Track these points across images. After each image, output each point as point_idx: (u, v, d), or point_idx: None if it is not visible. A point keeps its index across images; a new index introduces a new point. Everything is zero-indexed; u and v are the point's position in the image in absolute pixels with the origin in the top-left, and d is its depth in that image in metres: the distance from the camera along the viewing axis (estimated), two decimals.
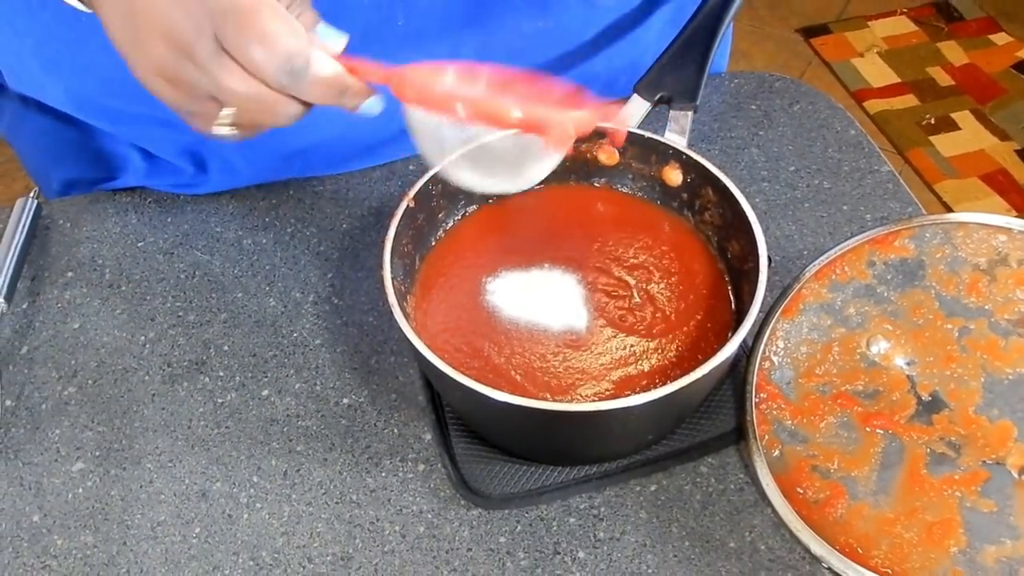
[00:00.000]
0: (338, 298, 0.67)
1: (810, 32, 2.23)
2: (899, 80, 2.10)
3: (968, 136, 1.99)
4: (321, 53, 0.42)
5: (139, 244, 0.71)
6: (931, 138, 1.98)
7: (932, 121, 2.02)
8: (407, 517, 0.56)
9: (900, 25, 2.24)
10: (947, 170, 1.92)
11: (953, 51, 2.17)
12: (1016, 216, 0.56)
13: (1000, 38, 2.20)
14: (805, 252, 0.68)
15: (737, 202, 0.57)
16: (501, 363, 0.55)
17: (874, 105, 2.04)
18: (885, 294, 0.57)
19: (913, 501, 0.53)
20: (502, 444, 0.57)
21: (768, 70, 0.83)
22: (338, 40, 0.44)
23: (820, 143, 0.76)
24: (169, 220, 0.73)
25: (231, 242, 0.71)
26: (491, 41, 0.68)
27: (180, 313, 0.67)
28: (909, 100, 2.06)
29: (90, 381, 0.63)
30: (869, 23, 2.25)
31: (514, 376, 0.54)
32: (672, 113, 0.62)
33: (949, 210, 1.77)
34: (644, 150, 0.62)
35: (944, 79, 2.11)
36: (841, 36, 2.22)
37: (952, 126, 2.01)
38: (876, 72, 2.12)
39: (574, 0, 0.69)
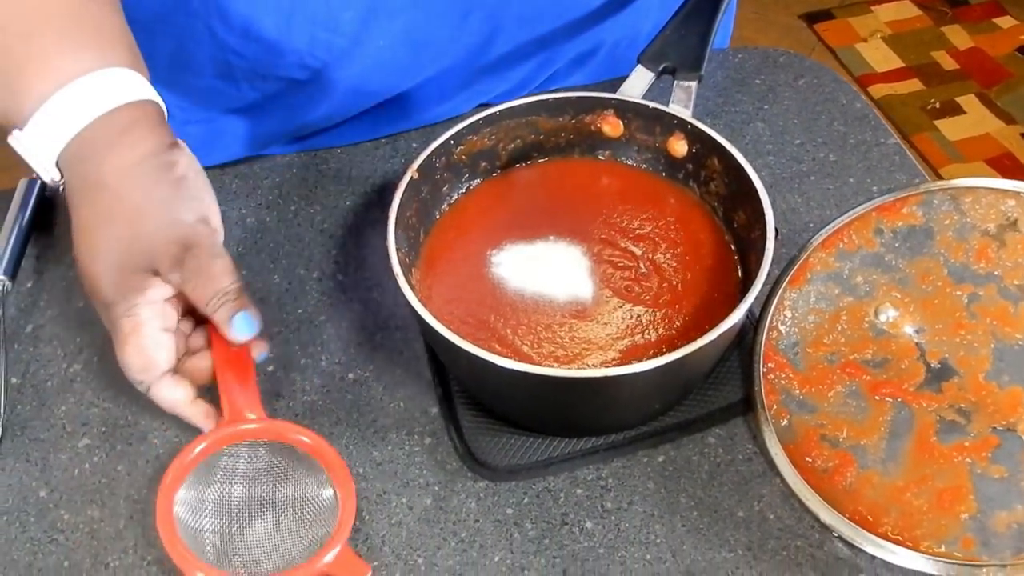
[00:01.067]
0: (342, 275, 0.67)
1: (813, 18, 2.22)
2: (903, 65, 2.09)
3: (974, 120, 1.98)
4: (168, 382, 0.52)
5: None
6: (936, 122, 1.97)
7: (937, 105, 2.01)
8: (414, 489, 0.55)
9: (904, 9, 2.23)
10: (953, 154, 1.91)
11: (958, 35, 2.16)
12: None
13: (1005, 21, 2.19)
14: (811, 224, 0.67)
15: (743, 171, 0.56)
16: (507, 334, 0.55)
17: (878, 90, 2.03)
18: (893, 262, 0.57)
19: (923, 469, 0.52)
20: (508, 416, 0.57)
21: None
22: (245, 333, 0.52)
23: (825, 116, 0.75)
24: None
25: (235, 220, 0.71)
26: (500, 10, 0.68)
27: None
28: (914, 85, 2.05)
29: (96, 358, 0.62)
30: (872, 8, 2.24)
31: (520, 346, 0.54)
32: (676, 84, 0.62)
33: None
34: (649, 121, 0.61)
35: (949, 63, 2.10)
36: (844, 21, 2.21)
37: (957, 110, 2.00)
38: (880, 57, 2.11)
39: None
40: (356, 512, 0.51)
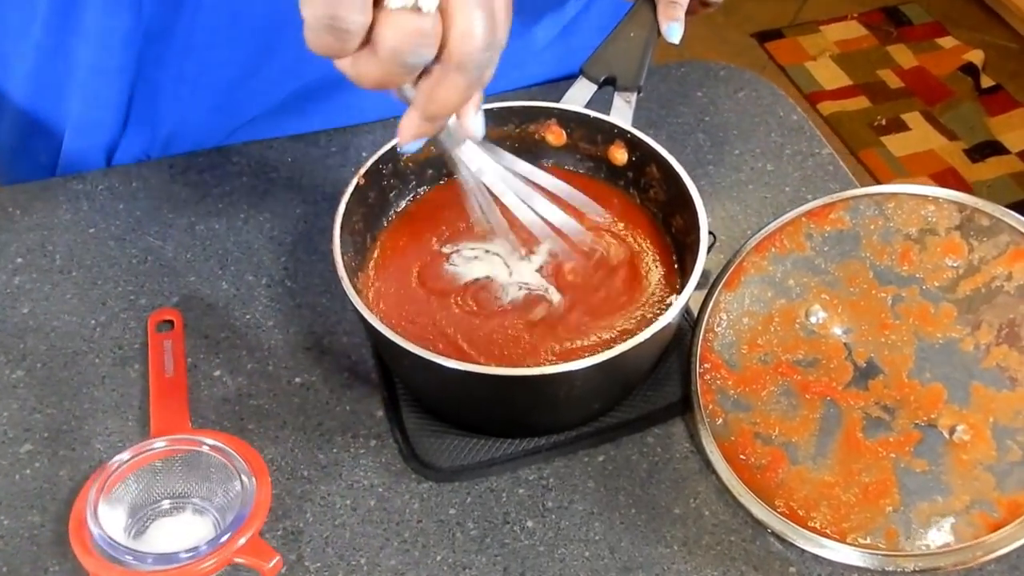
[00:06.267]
0: (291, 281, 0.68)
1: (764, 36, 2.28)
2: (851, 83, 2.15)
3: (918, 136, 2.04)
4: None
5: (90, 231, 0.71)
6: (883, 138, 2.03)
7: (883, 122, 2.07)
8: (358, 491, 0.56)
9: (851, 29, 2.30)
10: (898, 169, 1.97)
11: (902, 54, 2.23)
12: (943, 187, 0.58)
13: (947, 42, 2.26)
14: (749, 231, 0.69)
15: (680, 178, 0.58)
16: (454, 337, 0.56)
17: (827, 107, 2.09)
18: (822, 265, 0.59)
19: (850, 464, 0.54)
20: (452, 417, 0.58)
21: None
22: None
23: (764, 128, 0.78)
24: (121, 207, 0.73)
25: (184, 228, 0.71)
26: None
27: (132, 297, 0.66)
28: (861, 102, 2.11)
29: (39, 364, 0.62)
30: (821, 27, 2.30)
31: (466, 348, 0.55)
32: (617, 94, 0.64)
33: None
34: (591, 130, 0.63)
35: (894, 81, 2.16)
36: (794, 40, 2.27)
37: (903, 127, 2.06)
38: (829, 75, 2.17)
39: None
40: (269, 501, 0.52)
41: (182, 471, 0.53)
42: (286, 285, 0.67)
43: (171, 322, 0.63)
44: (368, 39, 0.39)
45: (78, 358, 0.63)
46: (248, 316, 0.65)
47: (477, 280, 0.59)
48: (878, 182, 1.92)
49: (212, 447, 0.52)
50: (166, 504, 0.53)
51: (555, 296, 0.58)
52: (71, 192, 0.73)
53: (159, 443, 0.53)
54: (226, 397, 0.61)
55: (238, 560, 0.49)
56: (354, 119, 0.78)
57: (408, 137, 0.44)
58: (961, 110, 2.09)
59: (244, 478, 0.51)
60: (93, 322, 0.65)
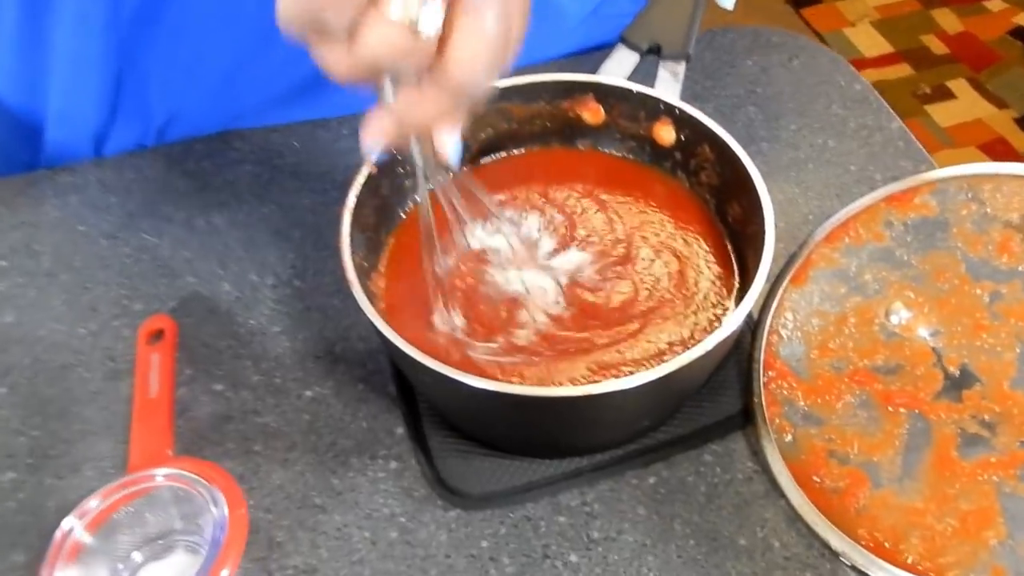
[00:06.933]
0: (299, 280, 0.61)
1: (800, 2, 2.17)
2: (892, 49, 2.04)
3: (965, 105, 1.93)
4: None
5: (80, 228, 0.65)
6: (927, 108, 1.93)
7: (927, 91, 1.96)
8: (378, 522, 0.50)
9: None
10: (944, 140, 1.86)
11: (947, 18, 2.11)
12: None
13: (995, 4, 2.14)
14: (811, 217, 0.62)
15: (738, 159, 0.51)
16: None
17: (867, 76, 1.97)
18: (905, 257, 0.51)
19: (944, 488, 0.47)
20: (482, 437, 0.51)
21: None
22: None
23: (823, 100, 0.70)
24: (113, 201, 0.66)
25: (181, 223, 0.65)
26: None
27: (125, 303, 0.60)
28: (903, 70, 2.01)
29: (24, 380, 0.56)
30: None
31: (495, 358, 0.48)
32: (662, 64, 0.56)
33: None
34: (632, 106, 0.56)
35: (939, 47, 2.05)
36: (832, 6, 2.16)
37: (948, 95, 1.96)
38: (868, 42, 2.06)
39: None
40: (245, 534, 0.45)
41: (151, 510, 0.47)
42: (294, 285, 0.61)
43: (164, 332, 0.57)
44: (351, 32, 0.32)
45: (66, 372, 0.57)
46: (252, 322, 0.59)
47: (507, 278, 0.52)
48: None
49: (168, 476, 0.46)
50: (150, 548, 0.46)
51: (595, 298, 0.50)
52: (59, 186, 0.67)
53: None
54: (228, 415, 0.54)
55: None
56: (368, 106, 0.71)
57: (374, 138, 0.37)
58: (1010, 76, 1.97)
59: (214, 509, 0.45)
60: (83, 331, 0.59)
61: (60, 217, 0.65)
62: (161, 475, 0.46)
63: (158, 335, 0.56)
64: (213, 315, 0.59)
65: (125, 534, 0.46)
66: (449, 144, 0.39)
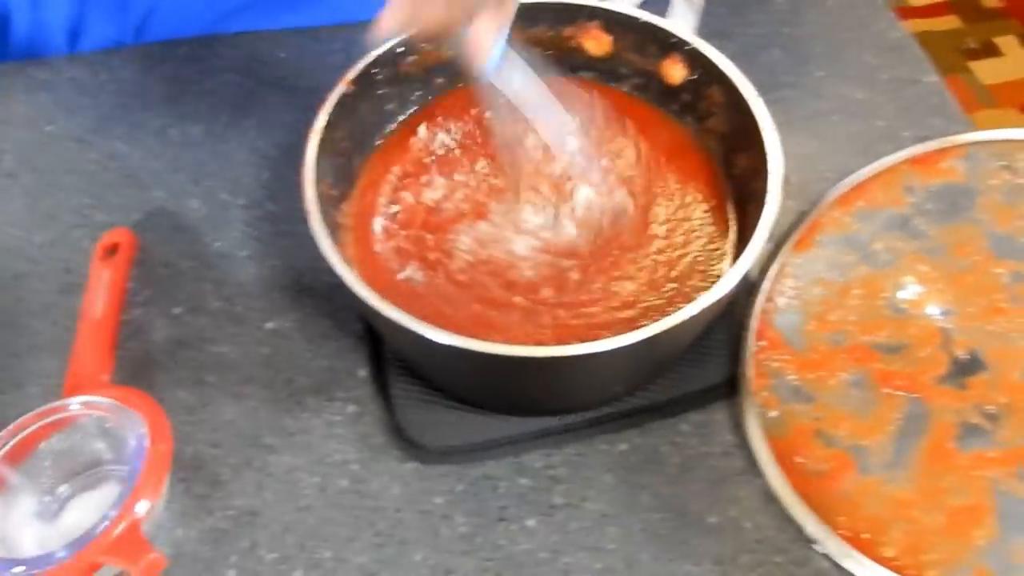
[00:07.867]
0: (273, 203, 0.57)
1: None
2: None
3: (1012, 63, 1.83)
4: None
5: (48, 128, 0.61)
6: (970, 64, 1.83)
7: (973, 45, 1.86)
8: (329, 467, 0.47)
9: None
10: (986, 99, 1.77)
11: None
12: None
13: None
14: (829, 174, 0.57)
15: (748, 106, 0.46)
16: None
17: (913, 25, 1.88)
18: (923, 227, 0.47)
19: (936, 480, 0.43)
20: (447, 388, 0.48)
21: None
22: None
23: (855, 46, 0.64)
24: (87, 102, 0.62)
25: (155, 131, 0.61)
26: None
27: (86, 212, 0.57)
28: (951, 21, 1.90)
29: None
30: None
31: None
32: None
33: None
34: (642, 38, 0.51)
35: (992, 0, 1.94)
36: None
37: (995, 52, 1.86)
38: None
39: None
40: (166, 468, 0.42)
41: (80, 441, 0.44)
42: (266, 208, 0.57)
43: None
44: None
45: (19, 282, 0.54)
46: (219, 243, 0.55)
47: (489, 214, 0.48)
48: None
49: (86, 404, 0.43)
50: (80, 480, 0.44)
51: (582, 243, 0.46)
52: (30, 80, 0.63)
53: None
54: (183, 340, 0.51)
55: (103, 561, 0.40)
56: (367, 14, 0.66)
57: (388, 24, 0.38)
58: None
59: (132, 440, 0.42)
60: (40, 239, 0.56)
61: (28, 114, 0.62)
62: (77, 403, 0.43)
63: (114, 251, 0.53)
64: (178, 233, 0.56)
65: (50, 466, 0.43)
66: (485, 45, 0.38)
